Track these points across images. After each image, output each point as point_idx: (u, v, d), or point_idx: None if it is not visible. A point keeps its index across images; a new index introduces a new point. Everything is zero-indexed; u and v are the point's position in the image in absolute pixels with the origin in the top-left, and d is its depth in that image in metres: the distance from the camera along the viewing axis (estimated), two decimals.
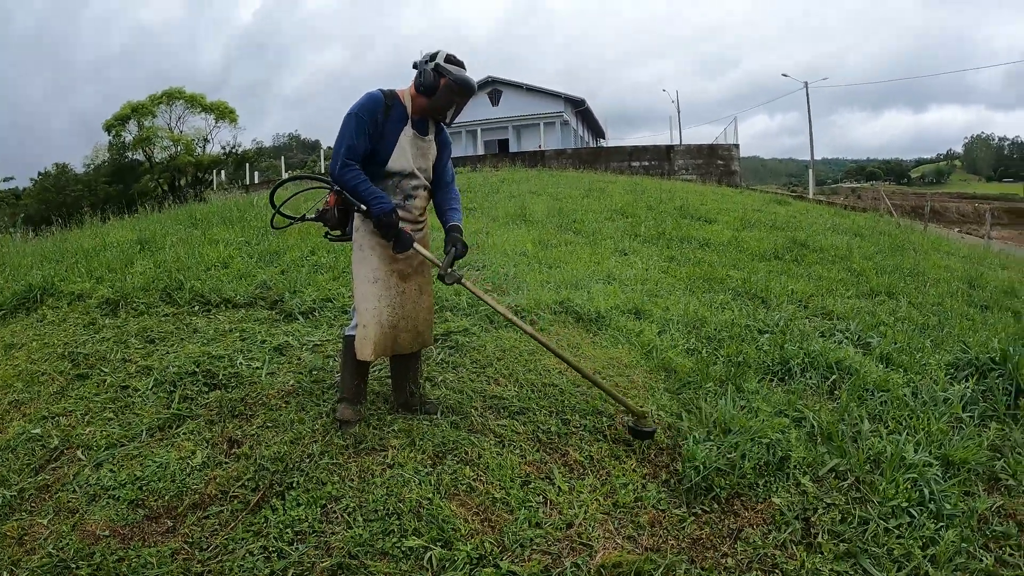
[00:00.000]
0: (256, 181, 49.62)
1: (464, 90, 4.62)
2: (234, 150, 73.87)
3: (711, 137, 45.26)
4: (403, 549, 3.41)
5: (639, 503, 4.02)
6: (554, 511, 3.86)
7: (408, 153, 4.64)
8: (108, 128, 68.09)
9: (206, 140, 71.67)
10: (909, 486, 4.23)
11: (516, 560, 3.42)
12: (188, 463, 4.13)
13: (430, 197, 4.95)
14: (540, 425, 4.75)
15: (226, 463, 4.15)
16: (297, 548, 3.42)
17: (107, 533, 3.53)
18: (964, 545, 3.82)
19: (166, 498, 3.81)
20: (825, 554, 3.70)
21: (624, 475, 4.29)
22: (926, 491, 4.23)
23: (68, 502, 3.81)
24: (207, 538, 3.51)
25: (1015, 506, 4.28)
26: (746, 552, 3.70)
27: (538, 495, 3.98)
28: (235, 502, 3.79)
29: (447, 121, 4.79)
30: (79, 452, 4.29)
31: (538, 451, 4.45)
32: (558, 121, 53.12)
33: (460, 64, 4.64)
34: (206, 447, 4.33)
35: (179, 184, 62.37)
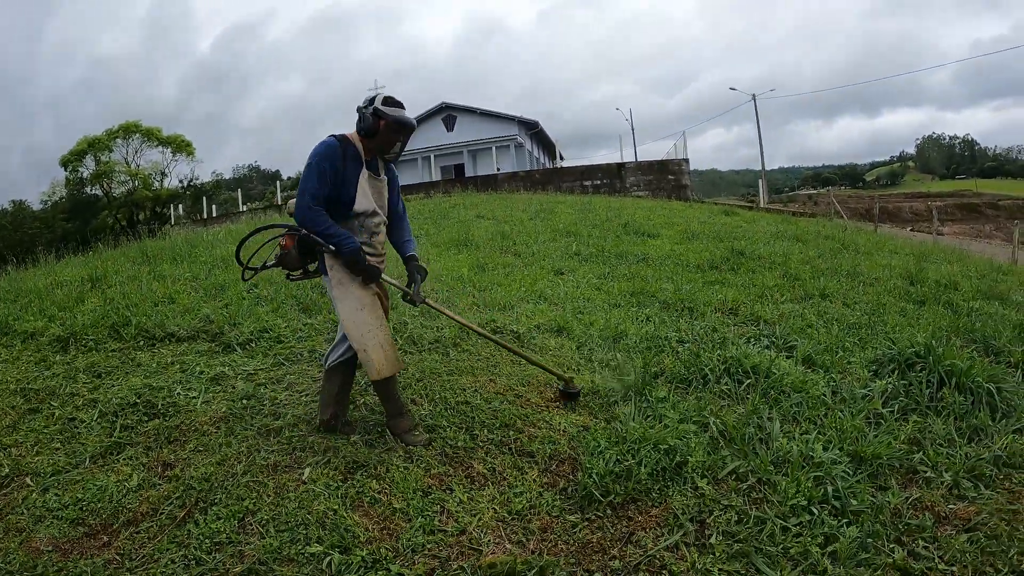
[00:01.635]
0: (215, 214, 49.42)
1: (403, 128, 4.97)
2: (192, 183, 73.39)
3: (668, 153, 45.43)
4: (306, 555, 3.69)
5: (532, 510, 4.24)
6: (450, 519, 4.10)
7: (368, 194, 4.99)
8: (65, 163, 67.55)
9: (163, 174, 71.08)
10: (811, 484, 4.36)
11: (407, 564, 3.68)
12: (125, 485, 4.42)
13: (388, 230, 5.34)
14: (449, 440, 5.01)
15: (159, 484, 4.44)
16: (214, 556, 3.71)
17: (50, 548, 3.82)
18: (870, 540, 3.92)
19: (103, 516, 4.10)
20: (718, 554, 3.83)
21: (523, 485, 4.50)
22: (830, 488, 4.36)
23: (16, 523, 4.10)
24: (137, 550, 3.80)
25: (933, 498, 4.42)
26: (635, 554, 3.85)
27: (436, 505, 4.22)
28: (163, 518, 4.07)
29: (391, 158, 5.18)
30: (28, 479, 4.56)
31: (443, 464, 4.70)
32: (512, 144, 53.23)
33: (399, 104, 4.96)
34: (142, 471, 4.62)
35: (138, 219, 61.91)
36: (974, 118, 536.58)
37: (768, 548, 3.88)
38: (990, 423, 5.42)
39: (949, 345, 6.50)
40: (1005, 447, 5.01)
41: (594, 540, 3.99)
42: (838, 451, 4.88)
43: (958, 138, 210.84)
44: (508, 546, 3.90)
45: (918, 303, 9.78)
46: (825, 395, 5.92)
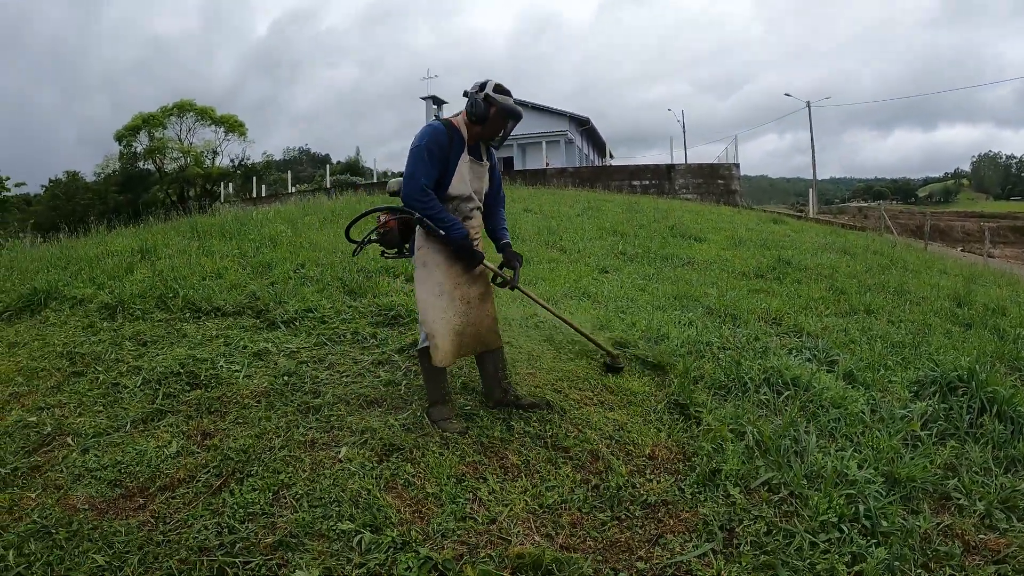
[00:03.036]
0: (264, 194, 49.74)
1: (512, 116, 5.04)
2: (243, 163, 74.30)
3: (719, 157, 45.23)
4: (337, 532, 3.72)
5: (563, 505, 4.23)
6: (481, 507, 4.11)
7: (466, 178, 5.05)
8: (119, 138, 68.82)
9: (215, 152, 72.14)
10: (843, 502, 4.30)
11: (436, 547, 3.69)
12: (164, 451, 4.51)
13: (484, 217, 5.43)
14: (485, 430, 5.02)
15: (197, 452, 4.51)
16: (247, 526, 3.76)
17: (86, 507, 3.92)
18: (897, 563, 3.84)
19: (140, 480, 4.19)
20: (744, 564, 3.78)
21: (556, 479, 4.50)
22: (861, 507, 4.30)
23: (55, 480, 4.21)
24: (171, 514, 3.86)
25: (964, 526, 4.33)
26: (662, 557, 3.83)
27: (469, 493, 4.24)
28: (199, 485, 4.14)
29: (496, 144, 5.28)
30: (69, 439, 4.68)
31: (478, 453, 4.71)
32: (562, 139, 53.20)
33: (507, 93, 5.02)
34: (181, 438, 4.70)
35: (188, 195, 62.43)
36: None
37: (795, 562, 3.83)
38: None
39: (993, 371, 6.39)
40: None
41: (622, 539, 3.98)
42: (873, 470, 4.81)
43: (1015, 158, 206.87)
44: (537, 538, 3.91)
45: (964, 326, 9.65)
46: (864, 413, 5.84)
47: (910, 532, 4.17)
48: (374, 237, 5.23)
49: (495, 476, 4.48)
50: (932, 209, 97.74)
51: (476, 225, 5.25)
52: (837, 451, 5.10)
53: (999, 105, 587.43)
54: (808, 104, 54.38)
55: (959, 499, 4.65)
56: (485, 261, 5.16)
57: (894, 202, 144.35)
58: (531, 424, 5.18)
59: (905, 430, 5.51)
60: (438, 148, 4.85)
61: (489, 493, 4.27)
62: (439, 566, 3.56)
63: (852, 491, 4.48)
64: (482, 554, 3.70)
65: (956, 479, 4.87)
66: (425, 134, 4.88)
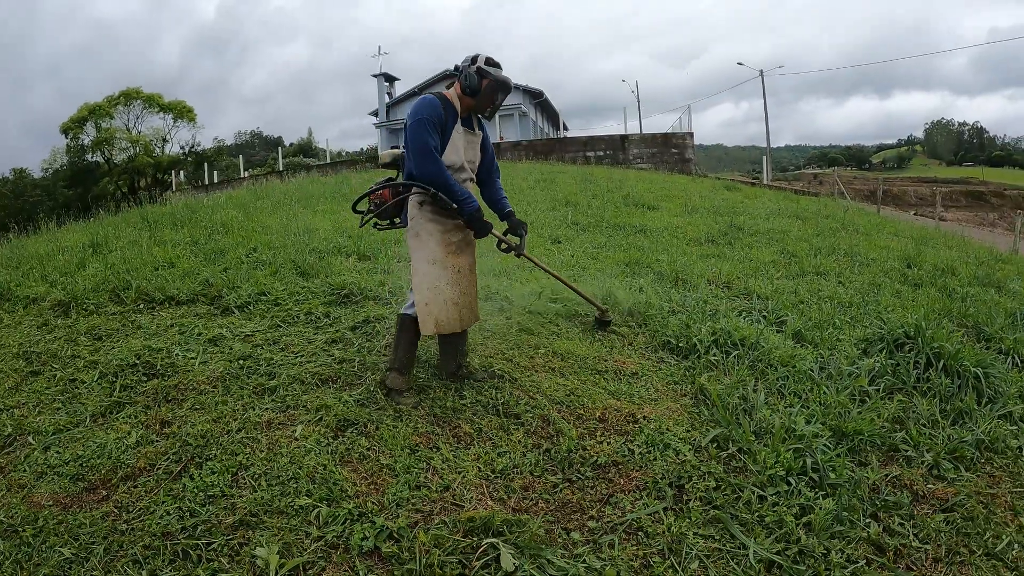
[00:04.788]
0: (216, 180, 49.28)
1: (503, 88, 5.17)
2: (193, 149, 73.29)
3: (672, 126, 45.33)
4: (295, 507, 3.79)
5: (515, 469, 4.35)
6: (435, 476, 4.20)
7: (460, 148, 5.16)
8: (65, 130, 67.13)
9: (165, 140, 70.66)
10: (791, 456, 4.44)
11: (391, 516, 3.77)
12: (124, 442, 4.51)
13: (475, 186, 5.49)
14: (438, 401, 5.09)
15: (156, 441, 4.53)
16: (207, 508, 3.80)
17: (50, 503, 3.92)
18: (845, 514, 3.98)
19: (102, 472, 4.19)
20: (694, 519, 3.93)
21: (508, 445, 4.62)
22: (809, 461, 4.44)
23: (19, 480, 4.20)
24: (134, 503, 3.89)
25: (912, 476, 4.52)
26: (613, 516, 3.94)
27: (422, 462, 4.32)
28: (160, 472, 4.16)
29: (488, 116, 5.35)
30: (30, 438, 4.66)
31: (431, 424, 4.79)
32: (516, 113, 52.92)
33: (498, 65, 5.15)
34: (140, 428, 4.70)
35: (139, 186, 61.66)
36: (987, 105, 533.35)
37: (744, 515, 3.98)
38: (975, 407, 5.51)
39: (939, 328, 6.54)
40: (988, 431, 5.12)
41: (574, 500, 4.09)
42: (820, 425, 4.98)
43: (967, 125, 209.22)
44: (490, 503, 3.99)
45: (914, 286, 9.88)
46: (812, 370, 6.01)
47: (858, 483, 4.33)
48: (372, 209, 5.30)
49: (448, 445, 4.56)
50: (886, 175, 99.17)
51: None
52: (786, 408, 5.26)
53: (955, 74, 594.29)
54: (761, 73, 54.60)
55: (907, 451, 4.86)
56: (495, 231, 5.30)
57: (848, 168, 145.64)
58: (483, 393, 5.26)
59: (853, 386, 5.70)
60: (436, 117, 4.94)
61: (443, 462, 4.36)
62: (394, 534, 3.64)
63: (800, 446, 4.61)
64: (436, 520, 3.78)
65: (904, 432, 5.09)
66: (422, 107, 4.97)
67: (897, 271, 10.72)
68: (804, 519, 3.95)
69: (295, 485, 4.00)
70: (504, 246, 5.57)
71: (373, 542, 3.56)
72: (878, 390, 5.72)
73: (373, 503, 3.89)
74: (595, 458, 4.48)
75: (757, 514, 3.99)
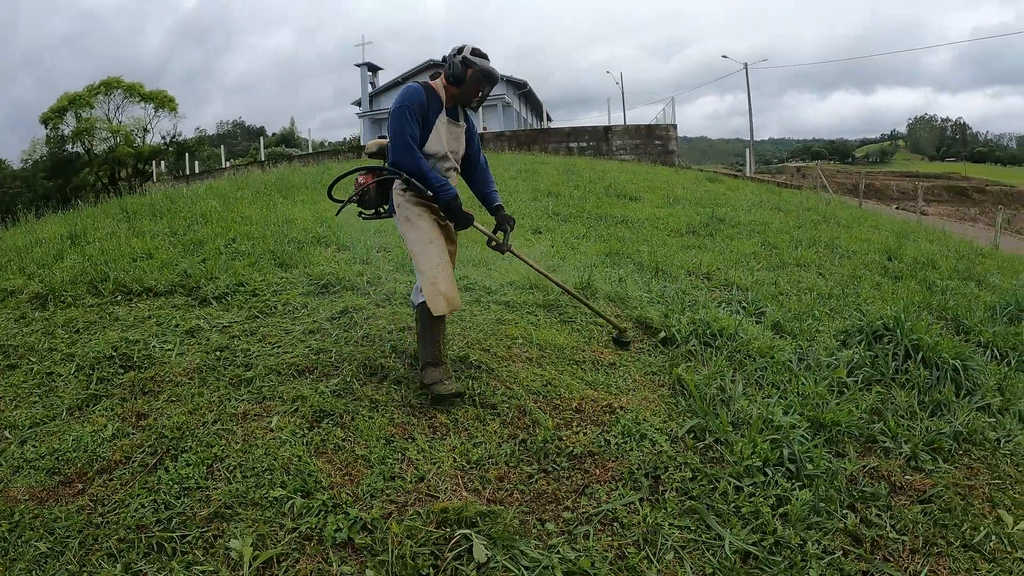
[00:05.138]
0: (197, 171, 49.04)
1: (489, 79, 5.11)
2: (174, 139, 73.04)
3: (656, 118, 45.49)
4: (269, 499, 3.78)
5: (491, 460, 4.35)
6: (410, 467, 4.18)
7: (443, 138, 5.13)
8: (45, 120, 66.59)
9: (146, 130, 70.49)
10: (768, 447, 4.45)
11: (365, 508, 3.76)
12: (100, 435, 4.47)
13: (459, 177, 5.53)
14: (415, 391, 5.08)
15: (132, 433, 4.50)
16: (182, 501, 3.79)
17: (26, 497, 3.88)
18: (823, 504, 4.00)
19: (78, 465, 4.16)
20: (669, 509, 3.93)
21: (483, 435, 4.61)
22: (786, 452, 4.44)
23: None
24: (109, 496, 3.86)
25: (890, 468, 4.54)
26: (588, 506, 3.94)
27: (398, 453, 4.31)
28: (135, 465, 4.14)
29: (474, 107, 5.33)
30: (6, 432, 4.62)
31: (407, 415, 4.77)
32: (500, 104, 52.78)
33: (484, 56, 5.10)
34: (117, 421, 4.67)
35: (119, 176, 61.27)
36: (970, 102, 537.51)
37: (720, 506, 3.99)
38: (953, 399, 5.55)
39: (919, 320, 6.62)
40: (966, 423, 5.16)
41: (549, 491, 4.09)
42: (798, 416, 5.02)
43: (950, 121, 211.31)
44: (464, 493, 3.98)
45: (894, 278, 9.96)
46: (791, 361, 6.06)
47: (835, 474, 4.35)
48: (355, 197, 5.26)
49: (424, 436, 4.54)
50: (868, 169, 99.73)
51: (453, 185, 5.25)
52: (763, 399, 5.28)
53: (938, 70, 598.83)
54: (746, 66, 54.71)
55: (885, 442, 4.89)
56: (476, 223, 5.21)
57: (831, 162, 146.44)
58: (460, 382, 5.23)
59: (831, 377, 5.75)
60: (418, 106, 4.92)
61: (418, 452, 4.34)
62: (368, 525, 3.63)
63: (777, 436, 4.62)
64: (410, 511, 3.77)
65: (882, 423, 5.14)
66: (405, 95, 4.95)
67: (877, 264, 10.80)
68: (780, 510, 3.96)
69: (270, 477, 3.98)
70: (493, 243, 5.47)
71: (347, 533, 3.55)
72: (856, 381, 5.75)
73: (347, 494, 3.87)
74: (571, 448, 4.47)
75: (733, 505, 4.00)
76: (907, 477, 4.48)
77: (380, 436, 4.47)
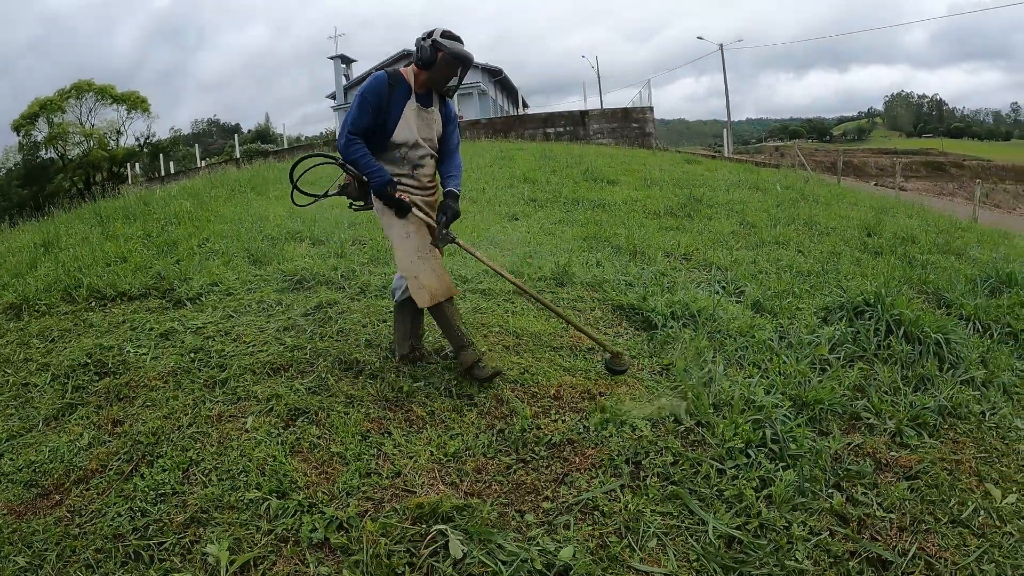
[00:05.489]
0: (172, 171, 48.84)
1: (460, 61, 4.95)
2: (148, 140, 72.62)
3: (633, 101, 45.58)
4: (245, 502, 3.73)
5: (468, 452, 4.29)
6: (386, 462, 4.14)
7: (412, 124, 5.02)
8: (17, 127, 65.83)
9: (119, 133, 69.87)
10: (749, 428, 4.41)
11: (341, 506, 3.72)
12: (76, 444, 4.42)
13: (437, 165, 5.35)
14: (391, 385, 5.02)
15: (108, 441, 4.45)
16: (158, 507, 3.74)
17: (4, 511, 3.83)
18: (807, 485, 3.96)
19: (55, 476, 4.10)
20: (651, 496, 3.87)
21: (460, 427, 4.55)
22: (768, 432, 4.41)
23: None
24: (86, 506, 3.82)
25: (875, 445, 4.53)
26: (568, 495, 3.89)
27: (373, 449, 4.26)
28: (111, 473, 4.09)
29: (449, 92, 5.19)
30: None
31: (384, 409, 4.73)
32: (475, 91, 53.00)
33: (456, 39, 4.94)
34: (93, 429, 4.61)
35: (94, 180, 60.82)
36: (947, 78, 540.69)
37: (702, 490, 3.94)
38: (937, 373, 5.56)
39: (900, 295, 6.61)
40: (950, 397, 5.15)
41: (528, 481, 4.04)
42: (780, 395, 4.99)
43: (927, 97, 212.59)
44: (442, 487, 3.93)
45: (874, 254, 9.94)
46: (772, 340, 6.04)
47: (820, 453, 4.30)
48: (333, 191, 5.26)
49: (400, 430, 4.50)
50: (846, 147, 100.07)
51: (429, 173, 5.26)
52: (745, 379, 5.22)
53: (915, 48, 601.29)
54: (721, 47, 54.93)
55: (869, 419, 4.89)
56: (415, 210, 5.06)
57: (809, 140, 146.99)
58: (436, 375, 5.21)
59: (813, 355, 5.72)
60: (374, 96, 4.87)
61: (394, 447, 4.30)
62: (344, 524, 3.59)
63: (759, 417, 4.58)
64: (386, 508, 3.73)
65: (865, 399, 5.13)
66: (365, 84, 4.91)
67: (857, 240, 10.79)
68: (764, 492, 3.92)
69: (245, 478, 3.94)
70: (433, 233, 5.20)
71: (323, 533, 3.50)
72: (839, 358, 5.74)
73: (323, 493, 3.83)
74: (549, 437, 4.42)
75: (716, 488, 3.95)
76: (892, 454, 4.47)
77: (356, 432, 4.42)
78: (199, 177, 19.89)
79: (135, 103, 69.94)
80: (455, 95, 5.39)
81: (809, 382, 5.24)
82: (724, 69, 55.30)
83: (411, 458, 4.19)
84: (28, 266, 8.51)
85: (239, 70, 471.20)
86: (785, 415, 4.66)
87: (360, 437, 4.39)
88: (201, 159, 55.86)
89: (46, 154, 67.45)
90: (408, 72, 5.04)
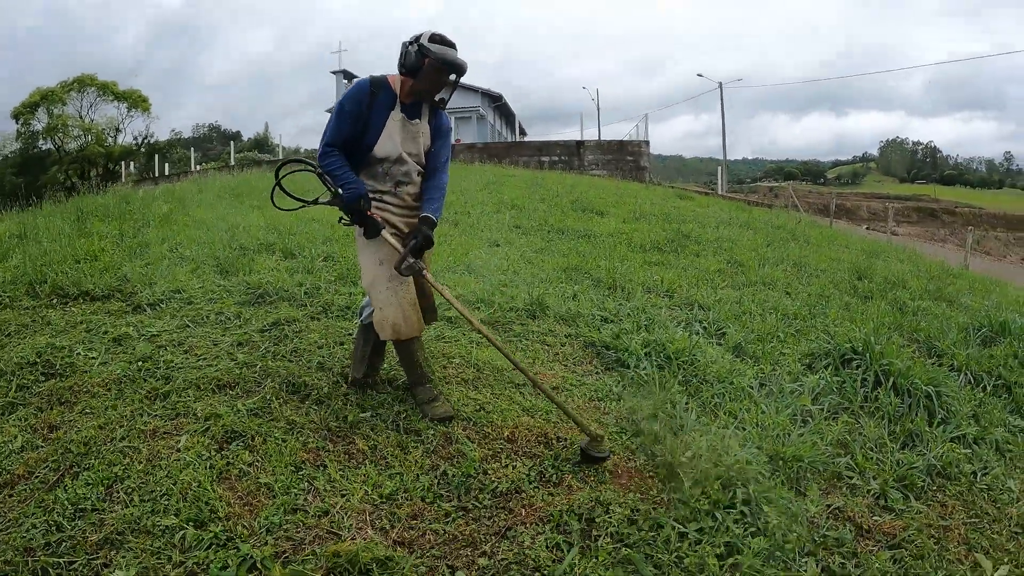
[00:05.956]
0: (167, 173, 48.83)
1: (448, 68, 4.57)
2: (146, 140, 72.66)
3: (629, 134, 45.90)
4: (161, 528, 3.50)
5: (405, 494, 3.99)
6: (316, 499, 3.87)
7: (396, 138, 4.67)
8: (16, 116, 65.86)
9: (118, 130, 69.90)
10: (718, 487, 4.04)
11: (258, 543, 3.46)
12: (9, 447, 4.21)
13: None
14: (337, 413, 4.77)
15: (41, 446, 4.24)
16: (75, 523, 3.52)
17: None
18: (779, 553, 3.65)
19: None
20: (600, 558, 3.53)
21: (402, 465, 4.25)
22: (739, 492, 4.02)
23: None
24: (5, 513, 3.62)
25: (856, 507, 4.26)
26: (508, 552, 3.58)
27: (304, 482, 3.99)
28: (37, 481, 3.89)
29: (439, 103, 4.80)
30: None
31: (325, 439, 4.45)
32: (474, 115, 52.92)
33: (448, 44, 4.55)
34: (28, 432, 4.40)
35: (90, 175, 60.72)
36: (941, 127, 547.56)
37: (660, 555, 3.60)
38: (926, 428, 5.34)
39: (890, 342, 6.43)
40: (940, 456, 4.95)
41: (466, 532, 3.73)
42: (756, 449, 4.66)
43: (921, 144, 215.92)
44: (370, 532, 3.65)
45: (864, 298, 9.81)
46: (752, 387, 5.77)
47: (795, 517, 4.00)
48: (323, 200, 4.82)
49: (337, 463, 4.23)
50: (840, 190, 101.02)
51: (413, 192, 4.89)
52: (719, 428, 4.93)
53: (910, 95, 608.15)
54: (720, 85, 55.28)
55: (852, 478, 4.63)
56: (385, 233, 4.65)
57: (804, 183, 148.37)
58: (386, 406, 4.95)
59: (795, 405, 5.44)
60: (353, 105, 4.57)
61: (327, 483, 4.03)
62: (257, 565, 3.33)
63: (731, 474, 4.20)
64: (306, 550, 3.48)
65: (848, 456, 4.85)
66: (347, 92, 4.65)
67: (847, 283, 10.66)
68: (730, 560, 3.59)
69: (166, 502, 3.69)
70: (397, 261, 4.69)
71: (234, 572, 3.26)
72: (822, 409, 5.48)
73: (244, 527, 3.58)
74: (496, 484, 4.11)
75: (676, 555, 3.61)
76: (875, 518, 4.22)
77: (290, 462, 4.16)
78: (187, 181, 19.78)
79: (136, 102, 70.08)
80: (446, 104, 4.92)
81: (789, 436, 4.94)
82: (722, 107, 55.71)
83: (343, 496, 3.92)
84: (0, 256, 8.32)
85: (242, 78, 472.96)
86: (760, 472, 4.33)
87: (293, 468, 4.12)
88: (197, 164, 55.97)
89: (44, 145, 67.55)
90: (395, 79, 4.69)
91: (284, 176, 4.87)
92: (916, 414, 5.49)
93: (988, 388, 6.39)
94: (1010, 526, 4.32)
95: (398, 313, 4.67)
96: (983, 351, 7.22)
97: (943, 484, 4.69)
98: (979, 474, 4.88)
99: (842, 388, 5.84)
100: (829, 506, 4.25)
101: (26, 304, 6.71)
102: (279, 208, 5.06)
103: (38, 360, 5.37)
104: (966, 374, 6.59)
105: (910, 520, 4.20)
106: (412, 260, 4.58)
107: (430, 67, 4.51)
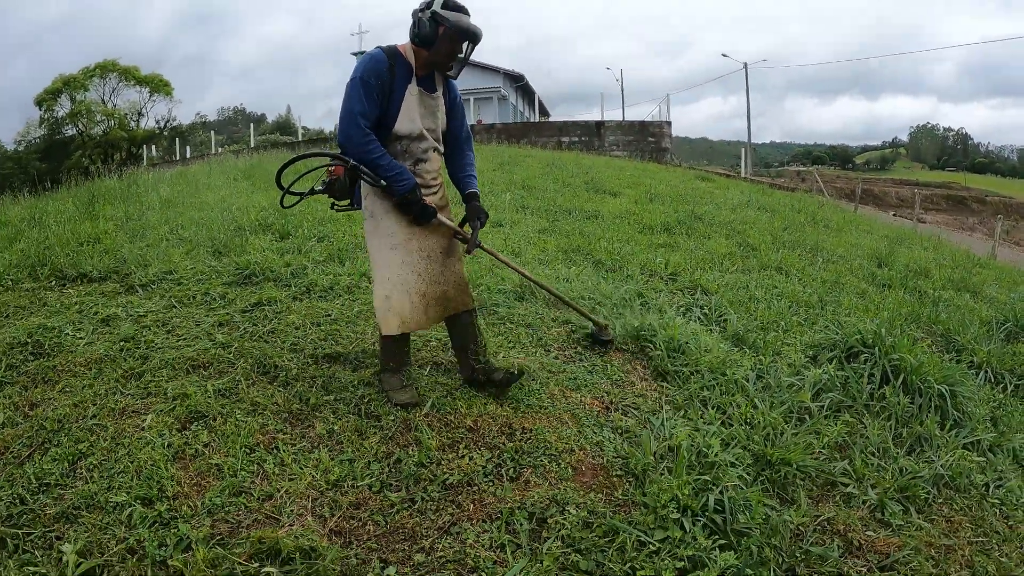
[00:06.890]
0: (188, 156, 48.97)
1: (465, 37, 4.34)
2: (169, 124, 73.38)
3: (651, 115, 45.62)
4: (112, 504, 3.53)
5: (352, 482, 3.88)
6: (263, 482, 3.81)
7: (415, 113, 4.43)
8: (39, 102, 66.89)
9: (140, 114, 70.96)
10: (689, 491, 3.71)
11: (197, 525, 3.44)
12: None
13: (441, 158, 4.77)
14: (301, 395, 4.69)
15: (20, 423, 4.30)
16: (38, 498, 3.58)
17: None
18: (750, 571, 3.34)
19: None
20: (544, 564, 3.30)
21: (355, 451, 4.15)
22: (712, 498, 3.70)
23: None
24: None
25: (848, 520, 3.96)
26: (448, 550, 3.42)
27: (254, 465, 3.93)
28: (10, 456, 3.96)
29: (453, 74, 4.59)
30: None
31: (284, 422, 4.38)
32: (496, 96, 52.93)
33: (461, 9, 4.32)
34: (11, 410, 4.47)
35: (112, 160, 61.04)
36: (973, 113, 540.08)
37: (612, 565, 3.34)
38: (937, 433, 5.02)
39: (903, 335, 6.08)
40: (950, 464, 4.63)
41: (408, 525, 3.59)
42: (741, 450, 4.36)
43: (952, 131, 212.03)
44: (308, 519, 3.58)
45: (882, 286, 9.56)
46: (747, 379, 5.42)
47: (775, 529, 3.71)
48: (318, 188, 4.53)
49: (290, 447, 4.14)
50: (868, 176, 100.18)
51: (434, 168, 4.66)
52: (703, 424, 4.69)
53: (942, 81, 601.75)
54: (745, 66, 54.89)
55: (847, 486, 4.31)
56: (441, 216, 4.54)
57: (832, 167, 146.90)
58: (350, 389, 4.85)
59: (791, 401, 5.11)
60: (376, 79, 4.22)
61: (277, 466, 3.96)
62: (191, 545, 3.31)
63: (706, 477, 3.93)
64: (242, 535, 3.43)
65: (846, 462, 4.53)
66: (361, 64, 4.27)
67: (865, 270, 10.42)
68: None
69: (122, 479, 3.73)
70: (460, 237, 4.71)
71: (170, 551, 3.25)
72: (822, 407, 5.11)
73: (188, 507, 3.57)
74: (448, 476, 3.96)
75: (630, 565, 3.34)
76: (869, 533, 3.90)
77: (245, 444, 4.10)
78: (201, 163, 19.82)
79: (158, 86, 71.11)
80: (459, 74, 4.67)
81: (781, 435, 4.61)
82: (747, 87, 55.36)
83: (291, 480, 3.86)
84: (9, 240, 8.45)
85: (268, 61, 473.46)
86: (741, 475, 4.04)
87: (247, 450, 4.06)
88: (219, 146, 56.17)
89: (67, 130, 68.35)
90: (406, 49, 4.39)
91: (304, 173, 4.65)
92: (926, 416, 5.14)
93: (1010, 388, 6.15)
94: (1021, 548, 4.03)
95: (405, 302, 4.50)
96: (1006, 347, 6.98)
97: (950, 497, 4.38)
98: (992, 486, 4.56)
99: (846, 384, 5.43)
100: (817, 517, 3.94)
101: (27, 286, 6.80)
102: (285, 207, 4.75)
103: (29, 340, 5.43)
104: (986, 372, 6.35)
105: (908, 537, 3.89)
106: (475, 237, 4.62)
107: (445, 36, 4.29)
